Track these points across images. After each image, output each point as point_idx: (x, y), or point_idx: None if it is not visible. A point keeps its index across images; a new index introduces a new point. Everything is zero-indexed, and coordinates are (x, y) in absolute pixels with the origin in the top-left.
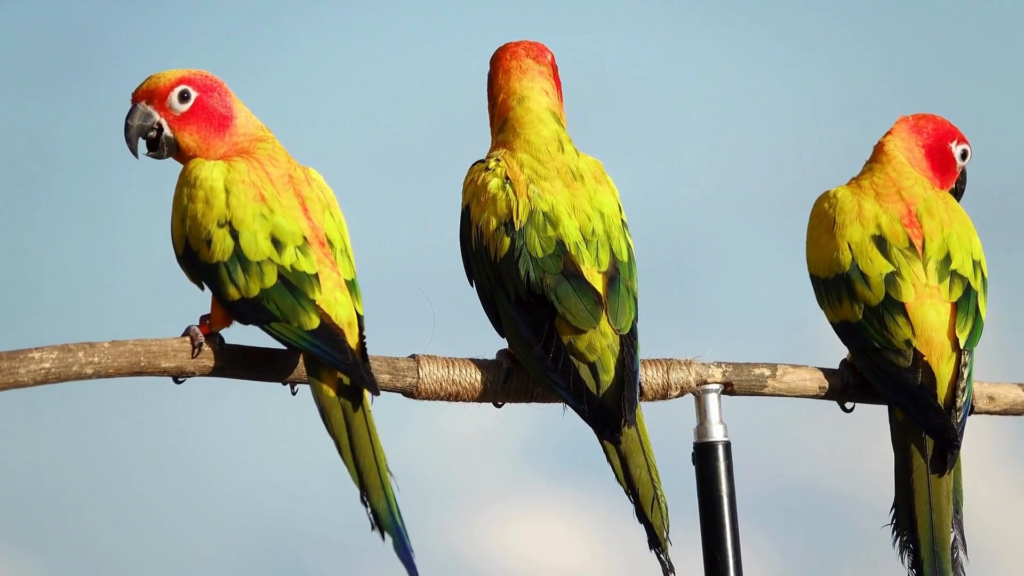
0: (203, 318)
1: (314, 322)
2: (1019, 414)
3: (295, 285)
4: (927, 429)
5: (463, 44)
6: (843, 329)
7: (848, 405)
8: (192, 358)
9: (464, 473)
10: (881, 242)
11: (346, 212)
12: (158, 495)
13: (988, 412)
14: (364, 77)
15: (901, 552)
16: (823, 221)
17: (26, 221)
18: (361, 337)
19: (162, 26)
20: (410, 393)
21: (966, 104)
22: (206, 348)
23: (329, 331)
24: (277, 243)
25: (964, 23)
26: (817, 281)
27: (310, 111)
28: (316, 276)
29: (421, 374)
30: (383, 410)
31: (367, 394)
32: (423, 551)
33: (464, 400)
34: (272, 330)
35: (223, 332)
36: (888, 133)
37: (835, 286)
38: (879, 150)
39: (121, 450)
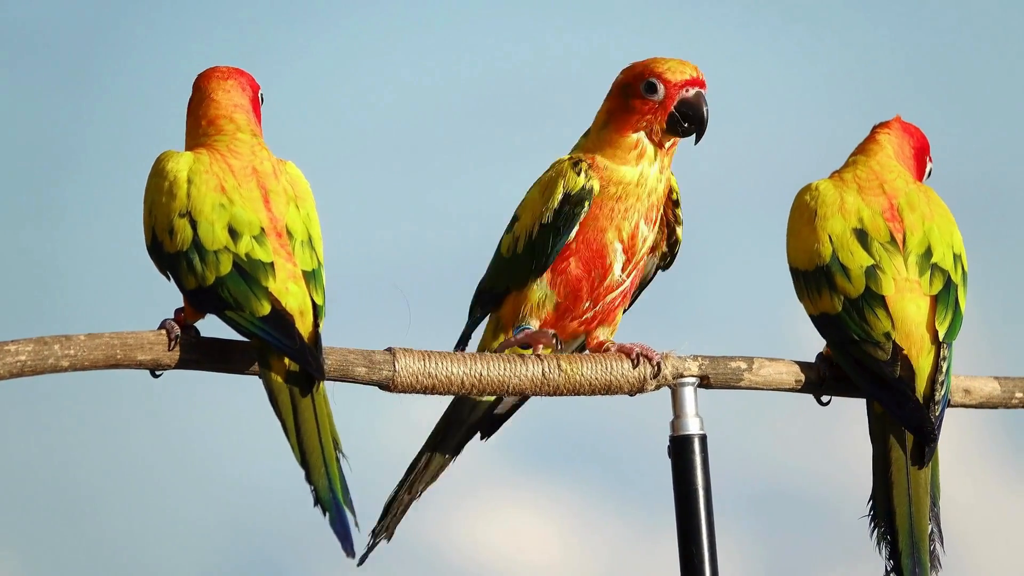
0: (178, 311)
1: (265, 308)
2: (995, 407)
3: (249, 273)
4: (905, 423)
5: (451, 42)
6: (822, 321)
7: (824, 398)
8: (169, 350)
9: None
10: (862, 235)
11: (324, 206)
12: (137, 488)
13: (964, 405)
14: (346, 73)
15: (878, 543)
16: (804, 213)
17: (2, 215)
18: (315, 326)
19: (167, 23)
20: (386, 386)
21: (946, 101)
22: (181, 341)
23: (279, 317)
24: (234, 232)
25: (937, 22)
26: (797, 273)
27: (295, 106)
28: (271, 265)
29: (397, 367)
30: (359, 403)
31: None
32: (395, 544)
33: (440, 393)
34: (227, 318)
35: (199, 325)
36: (884, 125)
37: (815, 278)
38: (871, 140)
39: (99, 444)
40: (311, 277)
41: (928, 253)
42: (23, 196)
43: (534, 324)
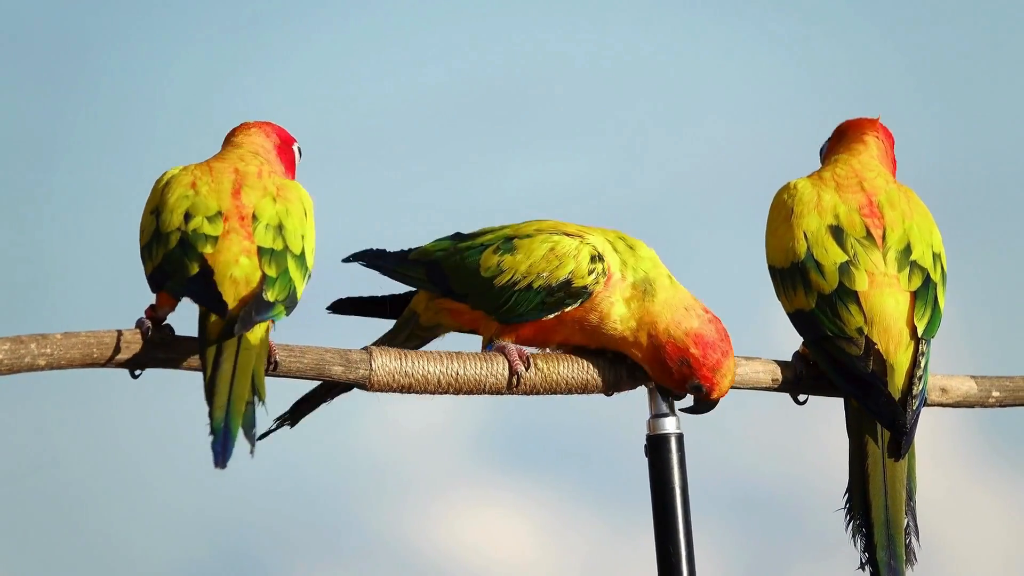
0: (148, 307)
1: (194, 269)
2: (971, 406)
3: (190, 244)
4: (878, 417)
5: (443, 39)
6: (797, 318)
7: (801, 397)
8: (144, 340)
9: (415, 464)
10: (837, 232)
11: (328, 201)
12: (116, 484)
13: (941, 404)
14: (337, 69)
15: (853, 536)
16: (781, 212)
17: None
18: (260, 292)
19: (155, 20)
20: (363, 385)
21: (920, 100)
22: (156, 339)
23: (203, 275)
24: (188, 216)
25: (914, 21)
26: (774, 272)
27: (284, 102)
28: (215, 238)
29: (374, 366)
30: (336, 402)
31: (252, 338)
32: (374, 541)
33: (417, 392)
34: (170, 289)
35: (174, 325)
36: (871, 125)
37: (790, 275)
38: (858, 140)
39: (77, 441)
40: (267, 253)
41: (908, 250)
42: (1, 195)
43: (503, 340)
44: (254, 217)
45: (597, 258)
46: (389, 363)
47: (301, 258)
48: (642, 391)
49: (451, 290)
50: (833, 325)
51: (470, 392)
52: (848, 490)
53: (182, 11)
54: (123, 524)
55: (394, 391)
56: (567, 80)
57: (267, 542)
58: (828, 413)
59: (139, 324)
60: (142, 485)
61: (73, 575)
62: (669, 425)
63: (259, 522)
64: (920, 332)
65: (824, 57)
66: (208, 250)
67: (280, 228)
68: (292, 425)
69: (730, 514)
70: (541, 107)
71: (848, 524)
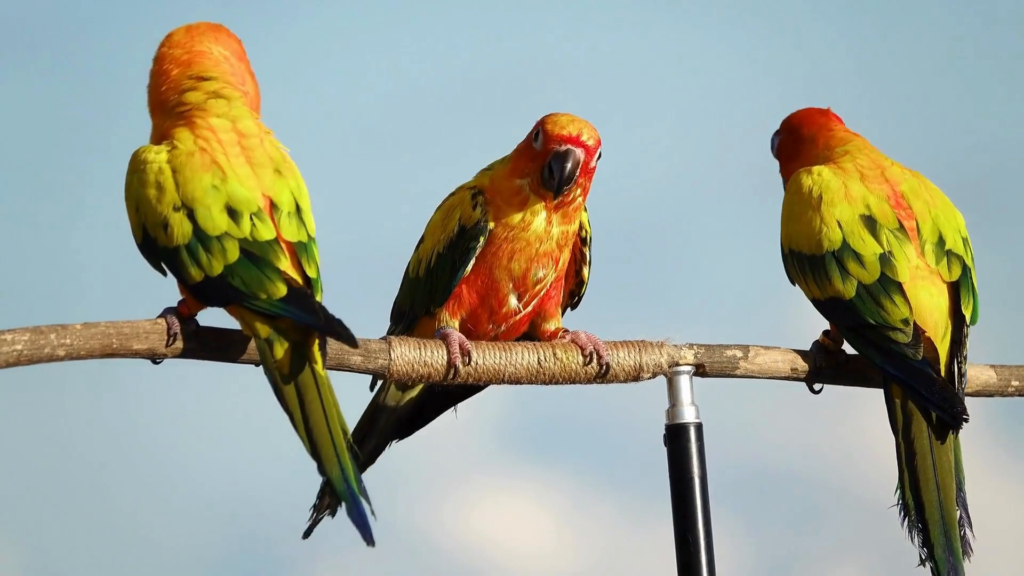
0: (180, 303)
1: (281, 290)
2: (991, 396)
3: (259, 256)
4: (933, 404)
5: (438, 34)
6: (831, 306)
7: (816, 387)
8: (167, 346)
9: (433, 454)
10: (871, 223)
11: (322, 196)
12: (128, 478)
13: None
14: (335, 64)
15: (910, 532)
16: (805, 198)
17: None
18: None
19: (148, 10)
20: (382, 375)
21: (927, 87)
22: (180, 330)
23: (298, 294)
24: (233, 213)
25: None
26: (798, 257)
27: (282, 94)
28: (276, 241)
29: (393, 356)
30: (351, 392)
31: (320, 368)
32: (390, 531)
33: (436, 381)
34: (245, 305)
35: (200, 315)
36: (836, 117)
37: (822, 263)
38: (854, 133)
39: (94, 432)
40: (301, 249)
41: (941, 241)
42: (21, 186)
43: (454, 325)
44: (273, 205)
45: (477, 192)
46: (408, 353)
47: (314, 241)
48: (662, 381)
49: (416, 315)
50: (876, 315)
51: (490, 382)
52: (899, 487)
53: (181, 4)
54: (145, 514)
55: (413, 381)
56: (557, 74)
57: (287, 532)
58: (848, 402)
59: (166, 320)
60: (163, 475)
61: (97, 564)
62: (688, 415)
63: (279, 512)
64: (968, 320)
65: (835, 43)
66: (283, 263)
67: (298, 212)
68: (333, 514)
69: (750, 503)
70: (531, 101)
71: (903, 521)
